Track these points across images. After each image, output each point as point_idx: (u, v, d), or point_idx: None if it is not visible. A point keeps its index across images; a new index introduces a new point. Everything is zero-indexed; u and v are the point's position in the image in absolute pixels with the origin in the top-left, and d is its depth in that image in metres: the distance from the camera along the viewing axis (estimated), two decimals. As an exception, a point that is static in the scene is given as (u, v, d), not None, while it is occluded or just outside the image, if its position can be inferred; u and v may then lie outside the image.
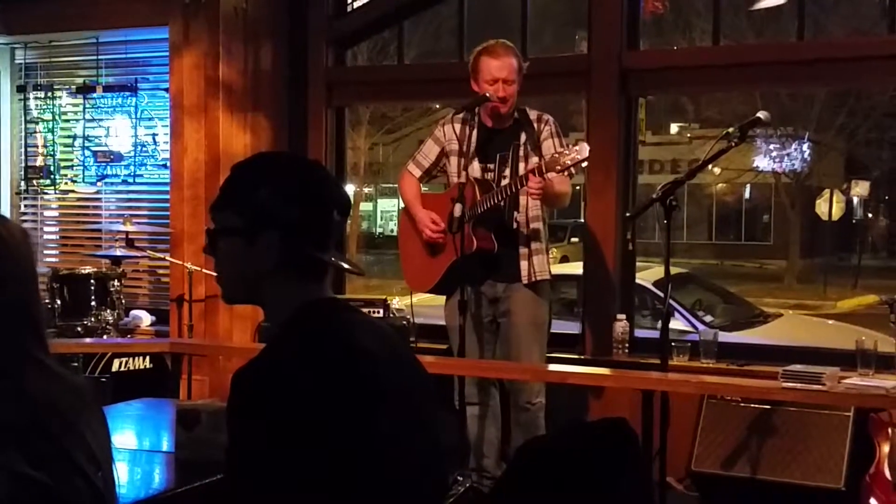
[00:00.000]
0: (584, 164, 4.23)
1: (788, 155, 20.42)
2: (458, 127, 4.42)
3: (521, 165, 4.30)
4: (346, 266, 2.05)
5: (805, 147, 19.97)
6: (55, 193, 6.36)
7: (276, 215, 1.76)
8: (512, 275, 4.34)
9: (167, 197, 5.77)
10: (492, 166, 4.36)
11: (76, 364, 4.67)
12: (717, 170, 21.53)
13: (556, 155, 4.08)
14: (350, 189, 20.01)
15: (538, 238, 4.35)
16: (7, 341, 1.53)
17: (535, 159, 4.23)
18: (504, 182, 4.30)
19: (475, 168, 4.37)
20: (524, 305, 4.35)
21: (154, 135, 6.02)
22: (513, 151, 4.34)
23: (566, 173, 4.12)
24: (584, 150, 4.03)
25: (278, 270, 1.78)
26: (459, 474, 4.13)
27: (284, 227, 1.76)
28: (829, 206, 20.61)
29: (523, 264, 4.33)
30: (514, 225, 4.35)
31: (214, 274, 1.88)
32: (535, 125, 4.34)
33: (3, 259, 1.56)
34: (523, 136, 4.33)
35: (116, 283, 5.33)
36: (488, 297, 4.39)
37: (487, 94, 4.27)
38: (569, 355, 4.97)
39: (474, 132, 4.39)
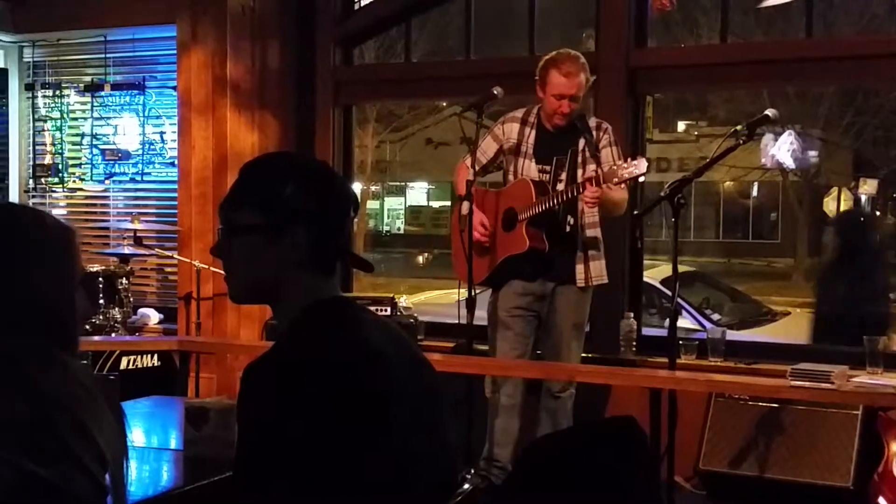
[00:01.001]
0: (642, 179, 4.31)
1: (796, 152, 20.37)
2: (517, 126, 4.47)
3: (579, 172, 4.34)
4: (366, 261, 2.04)
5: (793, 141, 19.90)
6: (63, 191, 6.38)
7: (303, 210, 1.76)
8: (565, 276, 4.41)
9: (175, 195, 5.78)
10: (548, 168, 4.42)
11: (85, 362, 4.68)
12: (724, 168, 21.47)
13: (615, 167, 4.13)
14: (357, 187, 20.02)
15: (596, 245, 4.43)
16: (24, 337, 1.53)
17: (592, 166, 4.27)
18: (560, 185, 4.36)
19: (531, 169, 4.42)
20: (571, 306, 4.43)
21: (162, 133, 6.03)
22: (570, 156, 4.39)
23: (623, 185, 4.20)
24: (643, 165, 4.10)
25: (297, 267, 1.78)
26: (467, 472, 4.13)
27: (309, 223, 1.76)
28: (837, 205, 20.55)
29: (579, 268, 4.40)
30: (568, 229, 4.41)
31: (224, 273, 1.87)
32: (595, 132, 4.39)
33: (29, 255, 1.56)
34: (582, 143, 4.37)
35: (124, 280, 5.34)
36: (537, 295, 4.45)
37: (495, 91, 4.32)
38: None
39: (533, 132, 4.44)
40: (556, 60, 4.35)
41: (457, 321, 4.53)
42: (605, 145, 4.39)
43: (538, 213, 4.31)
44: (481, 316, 4.47)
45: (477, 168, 4.53)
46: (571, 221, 4.41)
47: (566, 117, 4.35)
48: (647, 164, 4.13)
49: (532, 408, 4.54)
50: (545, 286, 4.44)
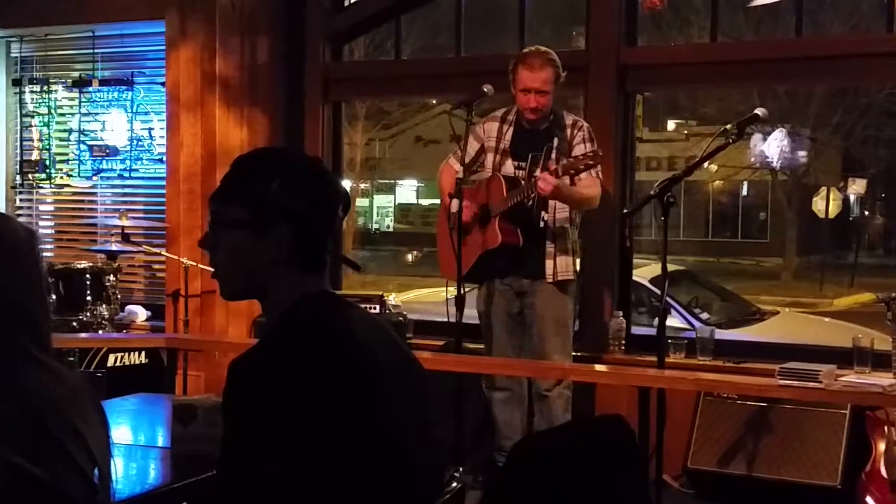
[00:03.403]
0: (598, 170, 4.38)
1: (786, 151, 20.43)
2: (496, 125, 4.59)
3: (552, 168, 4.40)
4: (351, 259, 2.04)
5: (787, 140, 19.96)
6: (51, 187, 6.35)
7: (288, 208, 1.76)
8: (537, 271, 4.49)
9: (163, 192, 5.76)
10: (524, 165, 4.51)
11: (72, 359, 4.66)
12: (713, 167, 21.52)
13: (573, 159, 4.25)
14: (347, 185, 20.01)
15: (564, 238, 4.50)
16: (3, 339, 1.53)
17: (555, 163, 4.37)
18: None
19: (508, 166, 4.53)
20: (547, 301, 4.50)
21: (150, 129, 6.01)
22: (545, 153, 4.46)
23: (593, 174, 4.33)
24: (595, 153, 4.23)
25: (285, 263, 1.77)
26: (456, 470, 4.12)
27: (295, 219, 1.76)
28: (825, 204, 20.61)
29: (548, 263, 4.48)
30: (542, 224, 4.48)
31: (212, 269, 1.86)
32: (570, 130, 4.48)
33: (3, 259, 1.56)
34: (556, 140, 4.46)
35: (112, 277, 5.32)
36: (514, 290, 4.55)
37: (485, 89, 4.33)
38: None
39: (510, 130, 4.55)
40: (524, 56, 4.48)
41: (446, 319, 4.54)
42: (578, 142, 4.47)
43: (509, 207, 4.39)
44: (470, 314, 4.48)
45: (460, 168, 4.57)
46: (545, 217, 4.49)
47: (536, 111, 4.43)
48: (598, 151, 4.25)
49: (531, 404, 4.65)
50: (520, 283, 4.53)
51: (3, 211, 5.64)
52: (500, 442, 4.58)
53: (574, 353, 4.96)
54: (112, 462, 1.63)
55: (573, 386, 4.53)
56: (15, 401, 1.48)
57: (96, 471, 1.56)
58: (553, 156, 4.45)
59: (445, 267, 4.67)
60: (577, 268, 4.63)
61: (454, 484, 2.10)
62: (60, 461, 1.48)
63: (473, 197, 4.53)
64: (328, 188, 1.82)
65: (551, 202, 4.45)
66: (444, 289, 4.68)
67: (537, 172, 4.40)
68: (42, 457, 1.46)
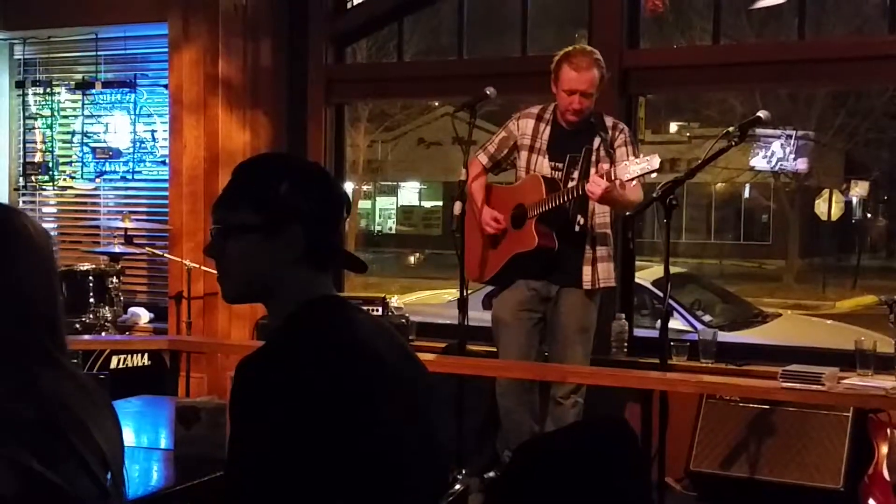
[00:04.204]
0: (654, 175, 4.17)
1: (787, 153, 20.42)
2: (532, 122, 4.40)
3: (592, 171, 4.25)
4: (358, 259, 2.05)
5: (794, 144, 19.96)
6: (53, 190, 6.36)
7: (298, 208, 1.77)
8: (571, 279, 4.34)
9: (166, 194, 5.76)
10: (561, 166, 4.35)
11: (75, 361, 4.66)
12: (716, 169, 21.52)
13: (627, 163, 4.06)
14: (349, 187, 20.02)
15: (605, 244, 4.36)
16: (21, 338, 1.53)
17: (606, 165, 4.18)
18: (571, 184, 4.29)
19: (544, 166, 4.36)
20: (576, 310, 4.36)
21: (153, 131, 6.01)
22: (584, 154, 4.33)
23: (635, 182, 4.14)
24: (656, 161, 4.00)
25: (294, 265, 1.79)
26: (459, 473, 4.13)
27: (306, 221, 1.78)
28: (828, 206, 20.61)
29: (586, 269, 4.33)
30: (578, 228, 4.34)
31: (217, 274, 1.86)
32: (610, 132, 4.34)
33: (25, 257, 1.57)
34: (597, 141, 4.32)
35: (115, 279, 5.32)
36: (541, 296, 4.39)
37: (487, 91, 4.27)
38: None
39: (547, 129, 4.39)
40: (569, 55, 4.30)
41: (448, 321, 4.52)
42: (620, 144, 4.33)
43: (548, 210, 4.24)
44: (474, 316, 4.45)
45: (489, 164, 4.51)
46: (581, 221, 4.34)
47: (578, 113, 4.29)
48: (659, 160, 4.01)
49: (544, 411, 4.51)
50: (550, 288, 4.37)
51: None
52: (511, 448, 4.39)
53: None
54: (125, 468, 1.62)
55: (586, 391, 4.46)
56: (31, 403, 1.47)
57: (108, 474, 1.55)
58: (593, 158, 4.30)
59: (473, 267, 4.51)
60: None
61: (457, 486, 2.10)
62: (73, 464, 1.48)
63: (509, 196, 4.41)
64: (332, 189, 1.85)
65: (590, 205, 4.29)
66: (446, 291, 4.64)
67: (574, 174, 4.30)
68: (55, 459, 1.45)
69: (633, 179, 4.05)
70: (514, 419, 4.43)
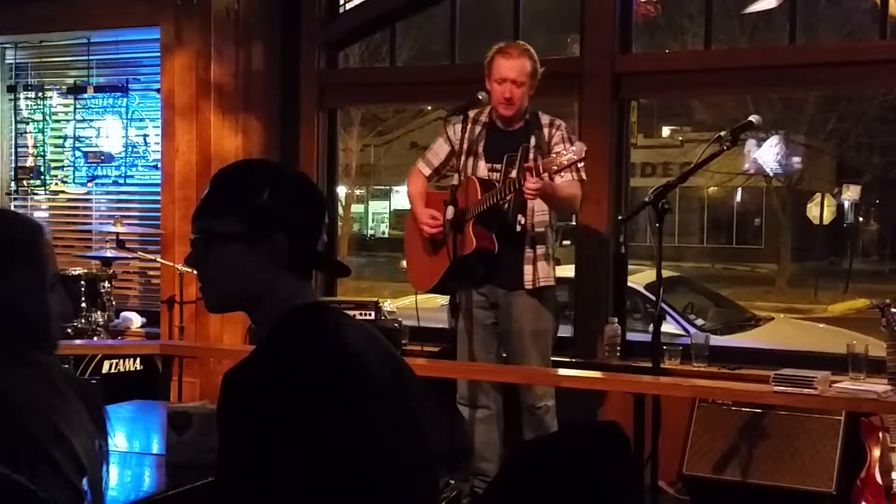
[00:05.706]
0: (581, 165, 4.11)
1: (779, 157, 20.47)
2: (468, 126, 4.34)
3: None
4: (341, 264, 2.05)
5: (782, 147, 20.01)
6: (45, 194, 6.34)
7: (281, 215, 1.76)
8: (514, 280, 4.28)
9: (158, 198, 5.76)
10: (499, 167, 4.31)
11: (67, 366, 4.65)
12: (708, 173, 21.56)
13: (554, 155, 4.03)
14: (342, 191, 20.00)
15: (544, 242, 4.31)
16: None
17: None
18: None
19: (482, 168, 4.33)
20: (525, 314, 4.30)
21: (145, 136, 6.01)
22: (521, 153, 4.28)
23: (574, 176, 4.13)
24: (581, 149, 3.95)
25: (278, 272, 1.77)
26: (451, 478, 4.12)
27: (290, 228, 1.76)
28: (820, 210, 20.66)
29: (527, 269, 4.27)
30: (518, 228, 4.28)
31: (200, 283, 1.84)
32: (547, 129, 4.30)
33: None
34: (533, 140, 4.28)
35: (107, 284, 5.31)
36: (489, 301, 4.34)
37: (480, 96, 4.25)
38: (560, 358, 4.96)
39: (484, 132, 4.36)
40: (500, 47, 4.30)
41: (441, 325, 4.52)
42: (557, 141, 4.26)
43: (484, 210, 4.18)
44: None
45: (430, 173, 4.50)
46: (522, 221, 4.28)
47: (510, 104, 4.23)
48: (584, 147, 3.96)
49: (517, 421, 4.45)
50: (496, 293, 4.32)
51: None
52: (478, 465, 4.35)
53: (568, 360, 4.96)
54: (105, 468, 1.60)
55: (562, 392, 4.43)
56: None
57: (84, 479, 1.53)
58: (531, 156, 4.23)
59: (416, 278, 4.49)
60: (555, 273, 4.39)
61: (448, 492, 2.10)
62: (43, 466, 1.46)
63: (441, 202, 4.32)
64: (313, 194, 1.84)
65: (529, 205, 4.24)
66: (439, 295, 4.61)
67: (513, 174, 4.21)
68: (24, 462, 1.43)
69: (560, 171, 4.00)
70: (484, 435, 4.37)
